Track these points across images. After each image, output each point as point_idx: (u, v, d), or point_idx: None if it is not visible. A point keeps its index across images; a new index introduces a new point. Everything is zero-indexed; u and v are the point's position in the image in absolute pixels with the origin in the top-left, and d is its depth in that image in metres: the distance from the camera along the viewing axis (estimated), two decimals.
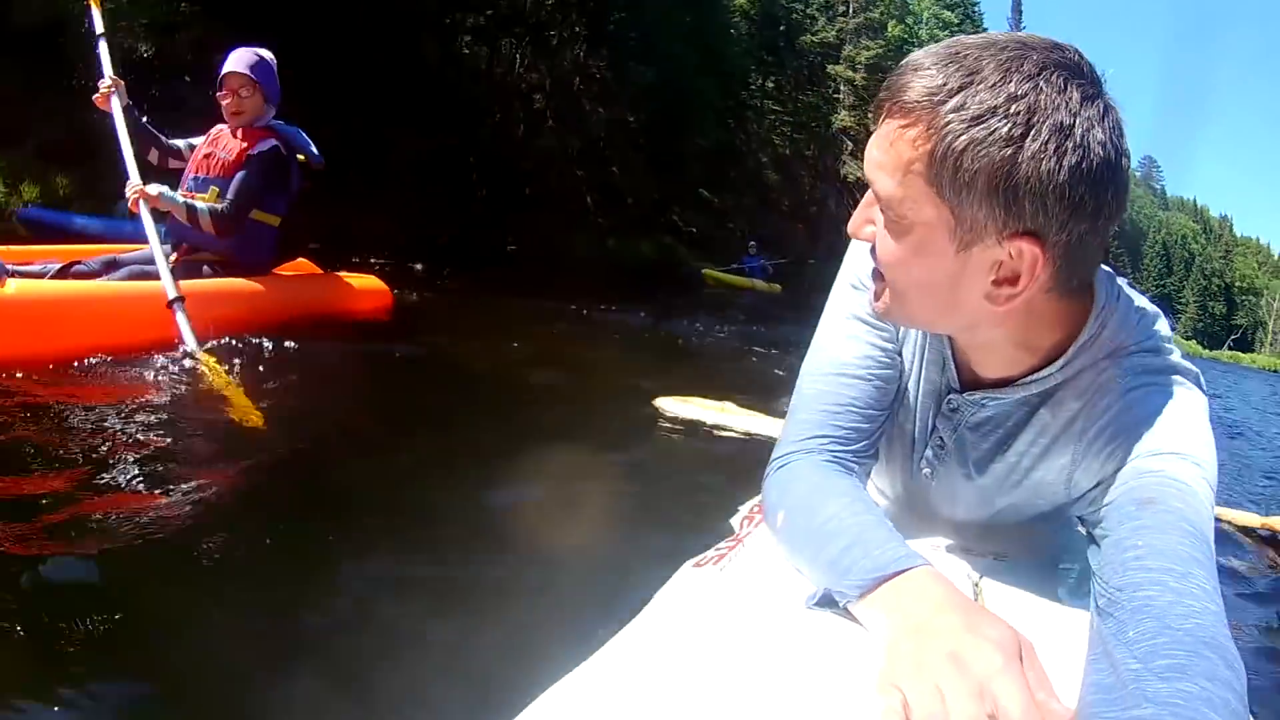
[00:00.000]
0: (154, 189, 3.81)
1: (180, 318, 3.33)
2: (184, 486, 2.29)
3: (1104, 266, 0.99)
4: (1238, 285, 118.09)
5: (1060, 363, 0.98)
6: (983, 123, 0.78)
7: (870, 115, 0.91)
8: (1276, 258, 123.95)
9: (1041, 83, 0.78)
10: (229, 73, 4.10)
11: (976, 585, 1.03)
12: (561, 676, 0.75)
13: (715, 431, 3.50)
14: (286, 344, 3.88)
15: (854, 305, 1.12)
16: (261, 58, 4.17)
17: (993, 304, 0.88)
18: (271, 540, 2.09)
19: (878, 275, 0.94)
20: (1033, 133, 0.77)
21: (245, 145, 4.10)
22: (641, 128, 20.89)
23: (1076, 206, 0.80)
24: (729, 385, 4.74)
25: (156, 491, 2.23)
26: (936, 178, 0.82)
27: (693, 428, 3.54)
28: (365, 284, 5.13)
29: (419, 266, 10.21)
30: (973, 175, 0.80)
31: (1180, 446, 0.88)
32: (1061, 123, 0.78)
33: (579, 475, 2.78)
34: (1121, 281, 1.04)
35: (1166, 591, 0.72)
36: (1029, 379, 1.01)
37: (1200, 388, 0.98)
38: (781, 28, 29.86)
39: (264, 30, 12.28)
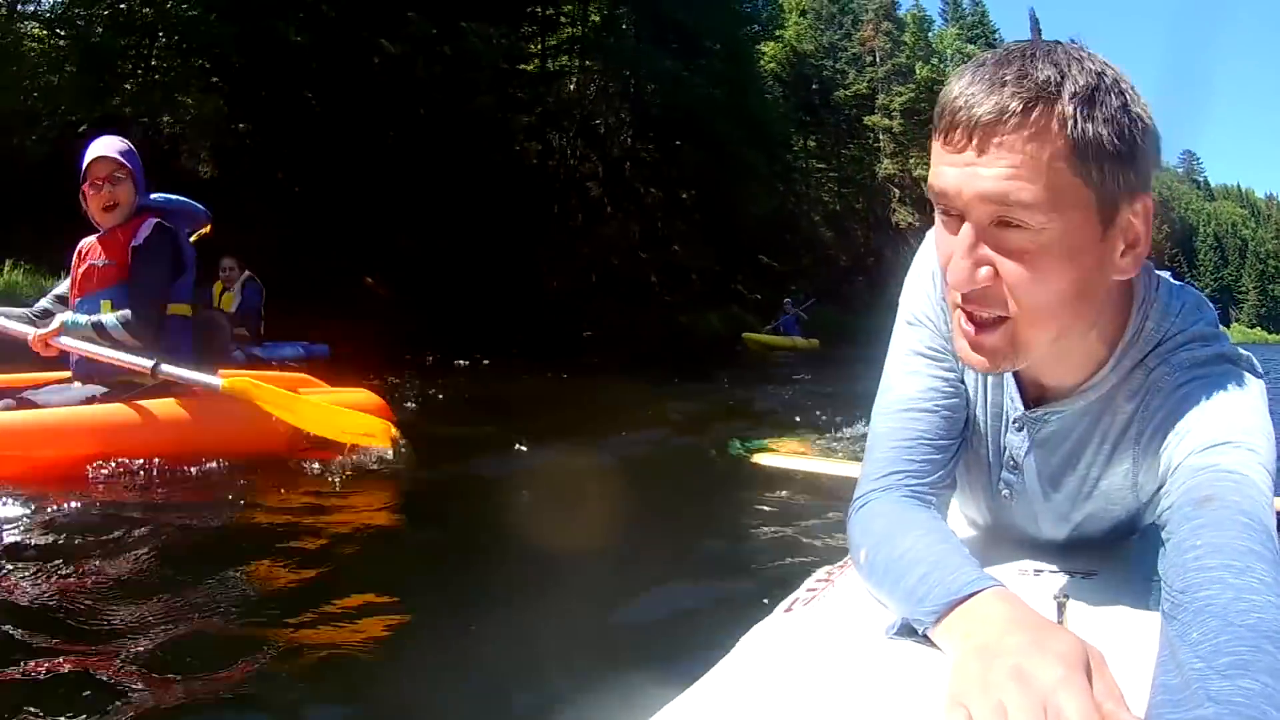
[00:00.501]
0: (56, 322, 3.29)
1: (176, 370, 3.22)
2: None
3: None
4: None
5: (1110, 364, 1.00)
6: (1097, 101, 0.81)
7: (943, 137, 0.87)
8: None
9: (1097, 58, 0.84)
10: (96, 159, 3.43)
11: (1062, 604, 1.03)
12: (659, 708, 0.77)
13: (813, 482, 3.52)
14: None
15: (913, 342, 1.14)
16: (128, 144, 3.56)
17: (1122, 275, 0.90)
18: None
19: (985, 326, 0.91)
20: (1129, 95, 0.83)
21: (123, 239, 3.43)
22: (695, 204, 21.35)
23: (1159, 148, 0.87)
24: (823, 435, 4.87)
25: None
26: (1082, 164, 0.82)
27: (790, 481, 3.57)
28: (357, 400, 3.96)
29: (486, 361, 10.52)
30: (1113, 146, 0.82)
31: (1232, 435, 0.87)
32: (1129, 83, 0.84)
33: (674, 531, 2.93)
34: (1164, 274, 1.04)
35: (1226, 589, 0.71)
36: (1085, 386, 1.02)
37: (1254, 372, 0.98)
38: (815, 86, 30.55)
39: (325, 146, 12.76)
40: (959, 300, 0.94)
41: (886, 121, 32.53)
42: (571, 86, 19.07)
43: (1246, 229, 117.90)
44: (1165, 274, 1.04)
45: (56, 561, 2.35)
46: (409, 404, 6.22)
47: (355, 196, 13.70)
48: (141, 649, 1.75)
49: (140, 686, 1.61)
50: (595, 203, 19.44)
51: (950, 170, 0.86)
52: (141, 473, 3.14)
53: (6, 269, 11.32)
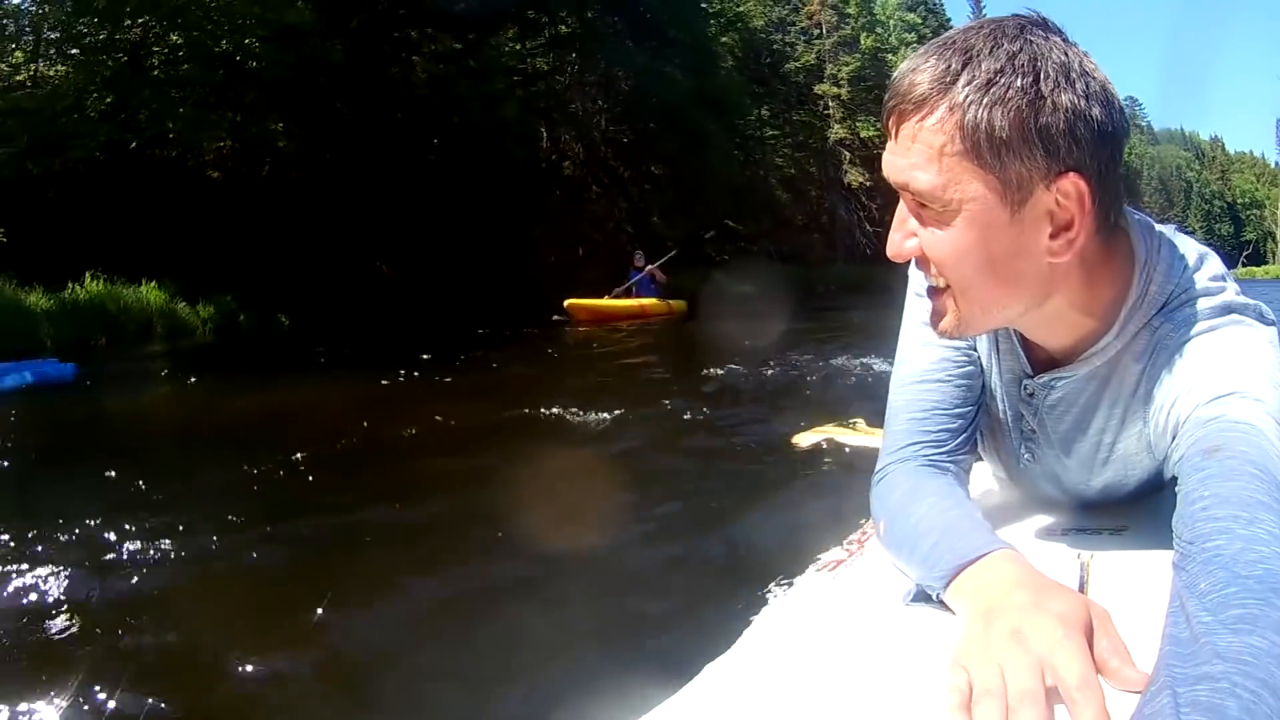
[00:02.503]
0: None
1: None
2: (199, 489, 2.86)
3: (1146, 217, 0.99)
4: (1240, 202, 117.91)
5: (1115, 329, 0.97)
6: (996, 84, 0.81)
7: (881, 130, 0.89)
8: (1274, 166, 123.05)
9: (1029, 37, 0.83)
10: None
11: (1086, 563, 1.00)
12: (701, 667, 0.83)
13: (848, 452, 3.67)
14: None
15: (922, 313, 1.11)
16: None
17: (1055, 258, 0.88)
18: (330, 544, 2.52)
19: (935, 292, 0.94)
20: (1041, 75, 0.81)
21: None
22: (668, 179, 23.69)
23: (1099, 129, 0.83)
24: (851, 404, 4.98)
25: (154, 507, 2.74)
26: (973, 150, 0.82)
27: (826, 451, 3.74)
28: None
29: (481, 331, 12.09)
30: (1006, 132, 0.81)
31: (1238, 385, 0.85)
32: (1060, 61, 0.82)
33: (719, 494, 3.22)
34: (1168, 228, 1.03)
35: (1234, 540, 0.69)
36: (1090, 351, 1.00)
37: (1262, 319, 0.94)
38: (767, 60, 32.50)
39: (352, 151, 14.78)
40: None
41: (835, 89, 34.75)
42: (562, 80, 21.40)
43: (1191, 171, 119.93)
44: (1168, 228, 1.02)
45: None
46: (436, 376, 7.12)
47: (372, 192, 15.79)
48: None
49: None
50: (579, 184, 21.66)
51: (885, 158, 0.89)
52: None
53: (87, 279, 12.39)
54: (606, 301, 15.25)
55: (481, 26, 18.33)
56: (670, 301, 16.61)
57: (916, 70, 0.85)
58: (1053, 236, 0.87)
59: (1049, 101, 0.82)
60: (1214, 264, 1.01)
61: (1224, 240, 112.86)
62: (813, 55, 35.11)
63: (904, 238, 0.91)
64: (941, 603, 0.91)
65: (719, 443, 4.46)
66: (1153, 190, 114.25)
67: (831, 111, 34.93)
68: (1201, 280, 0.98)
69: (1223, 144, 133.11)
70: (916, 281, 1.13)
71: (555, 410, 5.27)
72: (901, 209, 0.91)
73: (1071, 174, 0.84)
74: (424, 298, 15.51)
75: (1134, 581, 0.94)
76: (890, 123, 0.87)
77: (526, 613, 2.14)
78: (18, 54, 14.88)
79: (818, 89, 34.91)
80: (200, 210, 14.24)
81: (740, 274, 24.01)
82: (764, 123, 32.20)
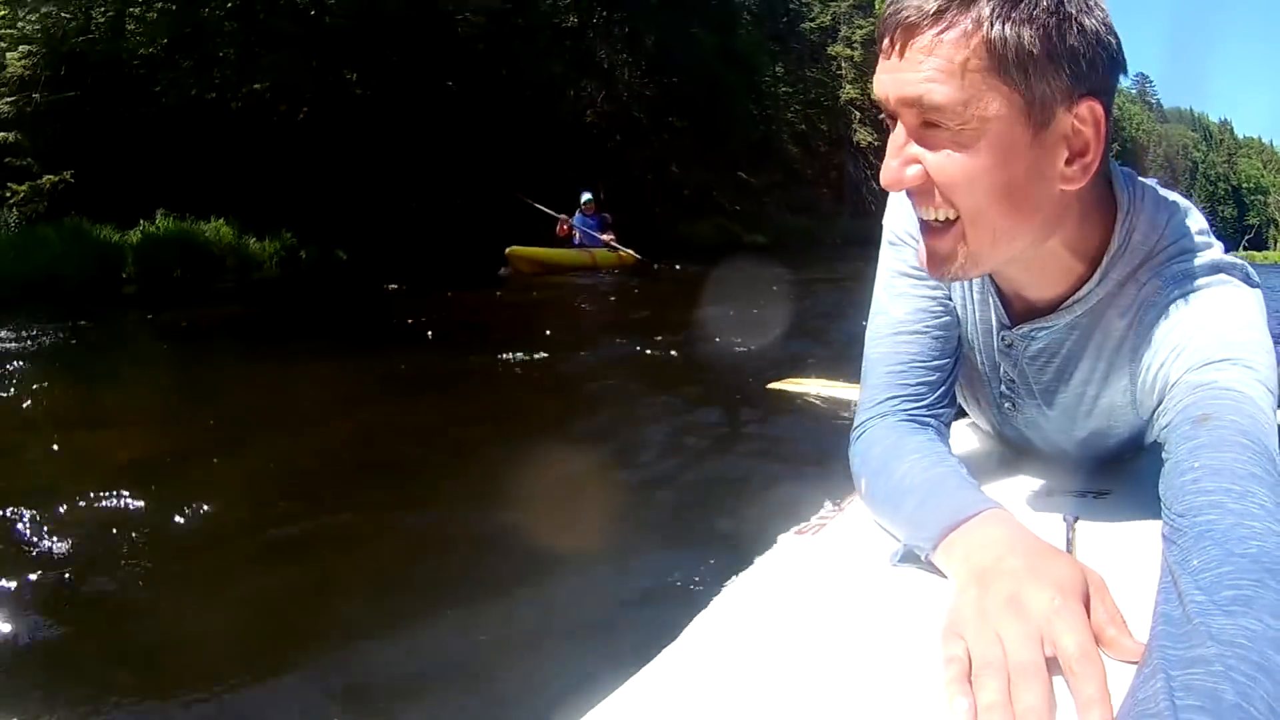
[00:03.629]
0: None
1: None
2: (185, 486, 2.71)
3: (1126, 168, 0.97)
4: (1245, 186, 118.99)
5: (1097, 277, 0.96)
6: (1022, 4, 0.80)
7: (880, 46, 0.86)
8: None
9: None
10: None
11: (1072, 525, 0.99)
12: (677, 634, 0.80)
13: (829, 406, 3.50)
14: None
15: (897, 263, 1.12)
16: None
17: (1069, 185, 0.87)
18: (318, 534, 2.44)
19: (936, 229, 0.90)
20: (1072, 8, 0.80)
21: None
22: (688, 130, 25.02)
23: (1114, 55, 0.83)
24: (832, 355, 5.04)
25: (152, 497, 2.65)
26: (999, 65, 0.80)
27: (807, 407, 3.58)
28: None
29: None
30: (1036, 49, 0.80)
31: (1230, 351, 0.83)
32: None
33: (693, 451, 3.16)
34: (1151, 181, 1.01)
35: (1226, 514, 0.69)
36: (1071, 300, 0.99)
37: (1248, 281, 0.93)
38: (784, 19, 33.59)
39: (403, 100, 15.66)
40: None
41: (848, 51, 35.78)
42: (591, 35, 22.67)
43: (1198, 151, 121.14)
44: (1152, 181, 1.01)
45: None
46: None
47: (420, 136, 17.07)
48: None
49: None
50: (603, 132, 22.95)
51: (882, 76, 0.85)
52: None
53: (159, 217, 13.47)
54: (549, 251, 13.88)
55: None
56: (620, 250, 14.92)
57: None
58: (1068, 162, 0.85)
59: (1075, 22, 0.81)
60: (1197, 218, 0.98)
61: (1226, 223, 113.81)
62: (828, 17, 36.15)
63: (903, 164, 0.86)
64: (930, 563, 0.88)
65: (702, 391, 4.44)
66: (1158, 166, 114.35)
67: (844, 72, 35.98)
68: (1187, 234, 0.95)
69: (1231, 128, 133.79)
70: (895, 228, 1.12)
71: (531, 357, 5.40)
72: (898, 135, 0.86)
73: (1089, 98, 0.83)
74: (453, 234, 16.63)
75: (1119, 547, 0.92)
76: (894, 36, 0.83)
77: (496, 582, 2.11)
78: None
79: (831, 50, 35.96)
80: (259, 151, 15.38)
81: (752, 224, 25.43)
82: (778, 79, 33.17)
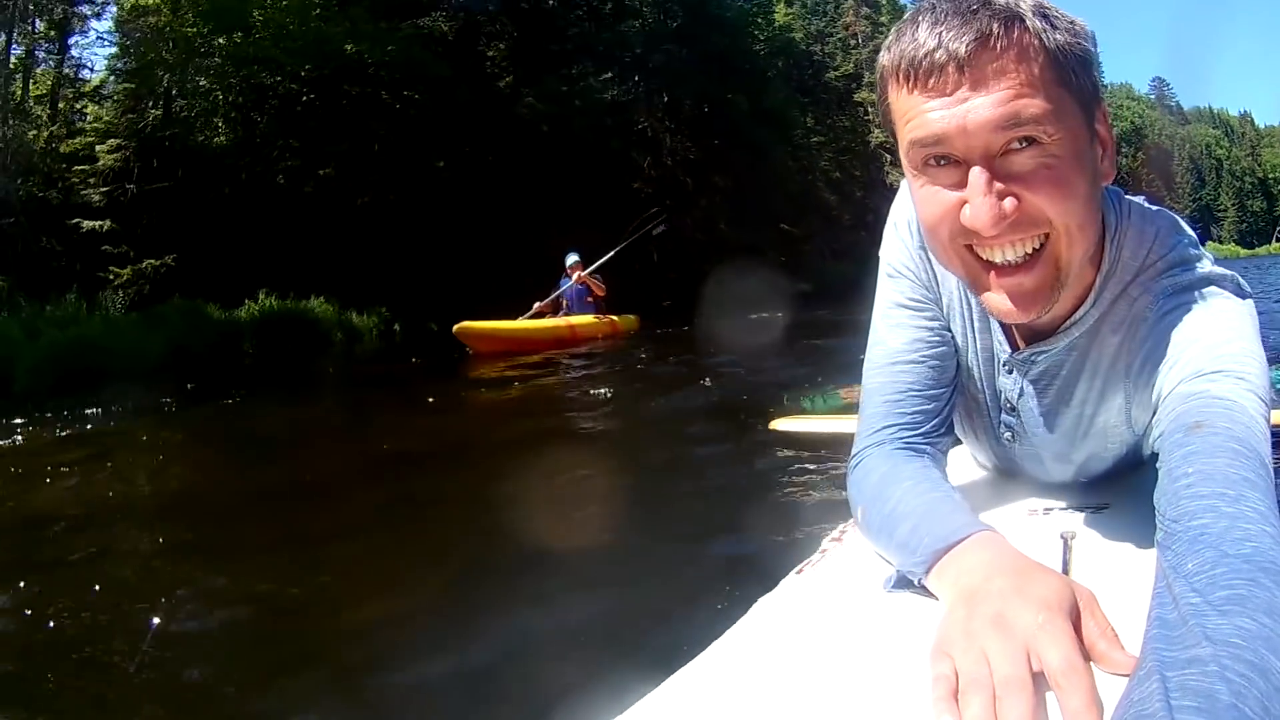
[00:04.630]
0: None
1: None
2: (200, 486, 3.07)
3: (1112, 187, 0.97)
4: (1271, 177, 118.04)
5: (1092, 297, 0.97)
6: (1051, 17, 0.84)
7: (920, 86, 0.83)
8: None
9: None
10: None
11: (1069, 542, 1.00)
12: (675, 663, 0.82)
13: (830, 443, 3.45)
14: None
15: (895, 294, 1.13)
16: None
17: (1106, 180, 0.91)
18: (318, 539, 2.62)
19: (1022, 266, 0.88)
20: (1055, 11, 0.85)
21: None
22: (733, 190, 26.16)
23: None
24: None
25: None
26: (1063, 73, 0.82)
27: (808, 443, 3.54)
28: None
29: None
30: (1079, 54, 0.84)
31: (1222, 363, 0.84)
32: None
33: (691, 493, 3.16)
34: (1137, 199, 1.03)
35: (1220, 518, 0.69)
36: (1068, 322, 1.00)
37: (1239, 292, 0.94)
38: (809, 71, 34.80)
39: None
40: (971, 249, 0.89)
41: (874, 96, 36.59)
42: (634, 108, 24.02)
43: (1220, 149, 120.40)
44: (1139, 199, 1.03)
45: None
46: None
47: (491, 215, 18.17)
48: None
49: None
50: (651, 198, 24.03)
51: (943, 114, 0.82)
52: None
53: (262, 295, 14.44)
54: (510, 324, 11.45)
55: (571, 61, 20.97)
56: (612, 316, 12.95)
57: (972, 11, 0.82)
58: (1102, 160, 0.90)
59: (1079, 28, 0.85)
60: (1186, 233, 0.98)
61: (1257, 216, 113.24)
62: (850, 65, 37.41)
63: (998, 199, 0.83)
64: (923, 588, 0.90)
65: (713, 430, 4.52)
66: (1184, 171, 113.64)
67: (871, 117, 36.71)
68: (1175, 248, 0.96)
69: (1252, 119, 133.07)
70: (892, 260, 1.14)
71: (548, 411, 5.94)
72: (978, 174, 0.83)
73: (1099, 101, 0.88)
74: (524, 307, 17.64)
75: (1117, 561, 0.92)
76: (949, 69, 0.82)
77: (496, 614, 2.11)
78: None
79: (857, 96, 37.07)
80: (350, 232, 16.39)
81: (797, 273, 26.29)
82: (809, 131, 34.30)
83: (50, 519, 3.34)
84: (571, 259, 12.97)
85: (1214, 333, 0.88)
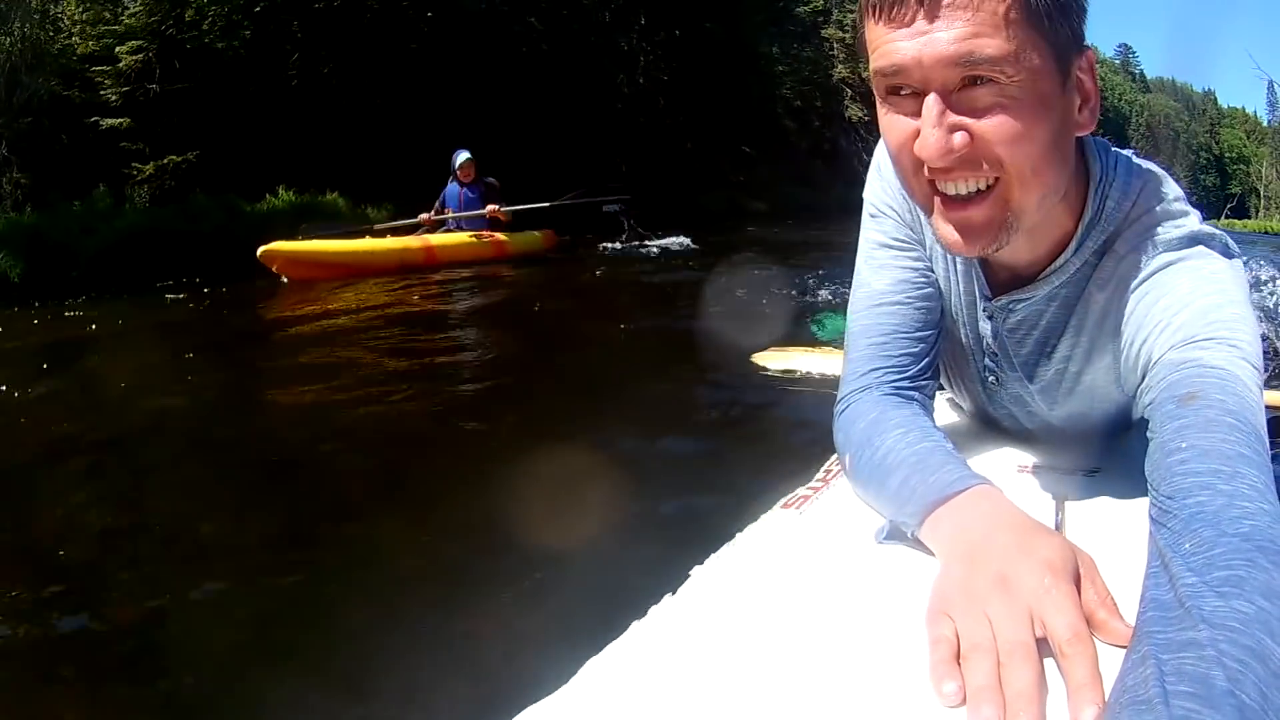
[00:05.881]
0: None
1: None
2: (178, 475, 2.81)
3: (1100, 138, 0.97)
4: (1227, 156, 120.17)
5: (1073, 245, 0.97)
6: None
7: (885, 17, 0.83)
8: (1265, 125, 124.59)
9: None
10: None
11: (1061, 505, 0.99)
12: (650, 608, 0.80)
13: (816, 378, 3.36)
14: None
15: (878, 234, 1.13)
16: None
17: (1083, 131, 0.90)
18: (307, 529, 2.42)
19: (972, 201, 0.88)
20: None
21: None
22: (702, 109, 28.33)
23: (1086, 3, 0.85)
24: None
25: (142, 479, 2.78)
26: (1034, 15, 0.80)
27: (792, 378, 3.46)
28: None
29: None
30: (1057, 3, 0.81)
31: (1215, 329, 0.83)
32: None
33: (676, 427, 3.12)
34: (1125, 152, 1.01)
35: (1217, 495, 0.69)
36: (1049, 270, 1.00)
37: (1227, 251, 0.92)
38: (780, 3, 36.17)
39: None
40: (934, 183, 0.88)
41: (841, 34, 38.25)
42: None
43: (1180, 122, 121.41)
44: (1127, 152, 1.01)
45: None
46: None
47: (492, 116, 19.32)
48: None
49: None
50: (627, 117, 25.77)
51: (903, 44, 0.82)
52: None
53: (281, 190, 14.81)
54: (331, 245, 9.29)
55: None
56: (498, 234, 10.59)
57: None
58: (1079, 110, 0.88)
59: None
60: (1172, 186, 0.98)
61: (1209, 191, 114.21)
62: (821, 1, 38.58)
63: (949, 131, 0.82)
64: (916, 541, 0.88)
65: (682, 362, 4.36)
66: (1140, 136, 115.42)
67: (836, 53, 38.56)
68: (1161, 202, 0.95)
69: (1214, 98, 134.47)
70: (875, 200, 1.13)
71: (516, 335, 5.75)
72: (934, 102, 0.82)
73: (1089, 47, 0.86)
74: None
75: (1109, 527, 0.91)
76: (909, 3, 0.81)
77: (475, 558, 2.13)
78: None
79: (824, 31, 38.53)
80: (362, 131, 17.50)
81: (755, 193, 28.28)
82: (774, 60, 35.67)
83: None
84: (461, 157, 10.54)
85: (1204, 296, 0.87)
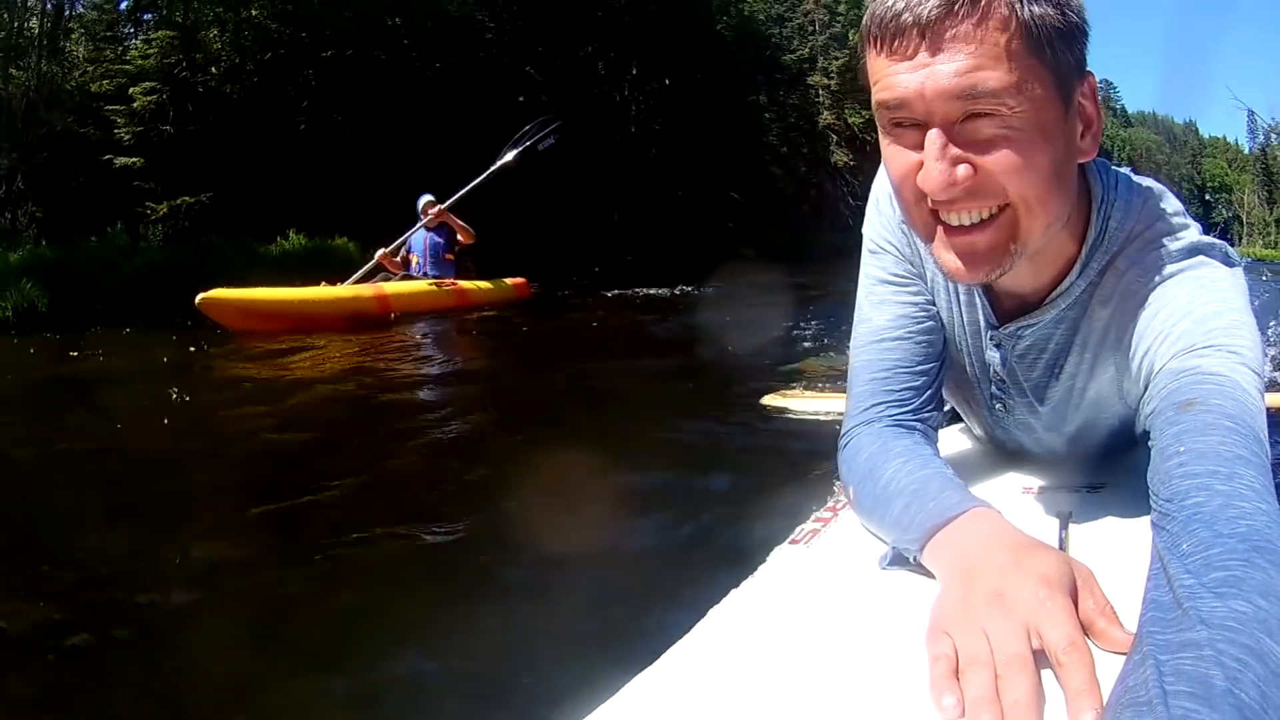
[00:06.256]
0: None
1: None
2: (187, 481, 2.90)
3: (1099, 159, 0.97)
4: (1209, 185, 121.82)
5: (1078, 268, 0.98)
6: None
7: (886, 49, 0.84)
8: (1246, 153, 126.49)
9: None
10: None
11: (1066, 523, 1.00)
12: (661, 654, 0.79)
13: (823, 418, 3.43)
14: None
15: (878, 270, 1.13)
16: None
17: (1085, 157, 0.90)
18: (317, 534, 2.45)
19: (978, 229, 0.88)
20: None
21: None
22: (693, 158, 29.07)
23: (1089, 30, 0.86)
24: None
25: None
26: (1036, 45, 0.81)
27: (800, 419, 3.53)
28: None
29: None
30: (1058, 26, 0.82)
31: (1213, 337, 0.84)
32: None
33: (685, 466, 3.15)
34: (1124, 170, 1.02)
35: (1214, 496, 0.69)
36: (1055, 294, 1.00)
37: (1227, 261, 0.93)
38: (767, 52, 37.10)
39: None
40: (936, 212, 0.89)
41: (826, 80, 39.13)
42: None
43: (1161, 154, 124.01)
44: (1125, 170, 1.03)
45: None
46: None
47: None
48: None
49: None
50: (621, 166, 26.35)
51: (905, 77, 0.82)
52: None
53: (292, 234, 14.85)
54: (275, 294, 8.32)
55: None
56: (460, 283, 9.91)
57: None
58: (1081, 136, 0.88)
59: (1075, 8, 0.84)
60: (1172, 201, 0.99)
61: (1193, 220, 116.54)
62: (806, 49, 39.53)
63: (952, 164, 0.83)
64: (919, 565, 0.89)
65: (688, 405, 4.44)
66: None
67: (822, 99, 39.33)
68: (1162, 217, 0.96)
69: (1196, 129, 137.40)
70: (875, 236, 1.13)
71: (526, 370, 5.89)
72: (936, 136, 0.83)
73: (1090, 73, 0.86)
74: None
75: (1114, 540, 0.92)
76: (913, 34, 0.81)
77: (493, 589, 2.12)
78: None
79: (810, 79, 39.34)
80: (370, 176, 17.44)
81: (743, 239, 28.65)
82: (761, 108, 36.51)
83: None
84: (424, 200, 10.11)
85: (1204, 305, 0.88)
